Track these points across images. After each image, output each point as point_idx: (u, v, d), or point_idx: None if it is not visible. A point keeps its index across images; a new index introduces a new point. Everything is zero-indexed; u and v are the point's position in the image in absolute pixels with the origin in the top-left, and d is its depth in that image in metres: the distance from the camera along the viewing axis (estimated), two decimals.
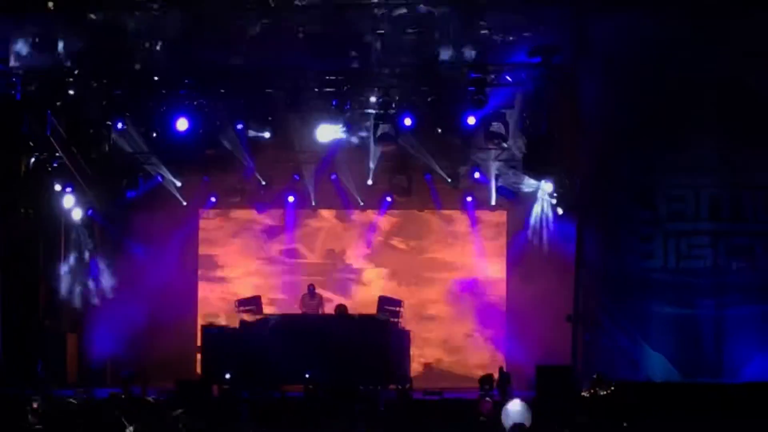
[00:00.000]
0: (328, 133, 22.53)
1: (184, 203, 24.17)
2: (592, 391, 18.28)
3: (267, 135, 22.90)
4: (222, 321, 23.18)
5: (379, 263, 25.11)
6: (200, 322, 23.33)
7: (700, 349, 20.35)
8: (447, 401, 19.62)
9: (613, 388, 18.17)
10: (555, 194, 22.64)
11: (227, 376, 20.09)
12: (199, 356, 22.40)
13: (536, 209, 23.41)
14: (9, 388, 19.81)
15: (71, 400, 17.41)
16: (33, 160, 22.40)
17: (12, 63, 20.93)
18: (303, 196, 24.58)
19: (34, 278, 22.96)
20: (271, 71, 21.52)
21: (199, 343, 22.22)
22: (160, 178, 23.77)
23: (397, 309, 22.43)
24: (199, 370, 22.44)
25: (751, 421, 17.24)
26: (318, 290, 23.33)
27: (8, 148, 21.60)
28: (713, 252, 20.42)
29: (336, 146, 23.34)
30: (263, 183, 24.21)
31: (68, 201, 22.93)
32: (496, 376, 19.76)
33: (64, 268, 23.22)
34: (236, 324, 21.71)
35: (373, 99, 21.99)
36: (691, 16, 20.00)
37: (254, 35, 20.41)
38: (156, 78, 21.63)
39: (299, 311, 22.94)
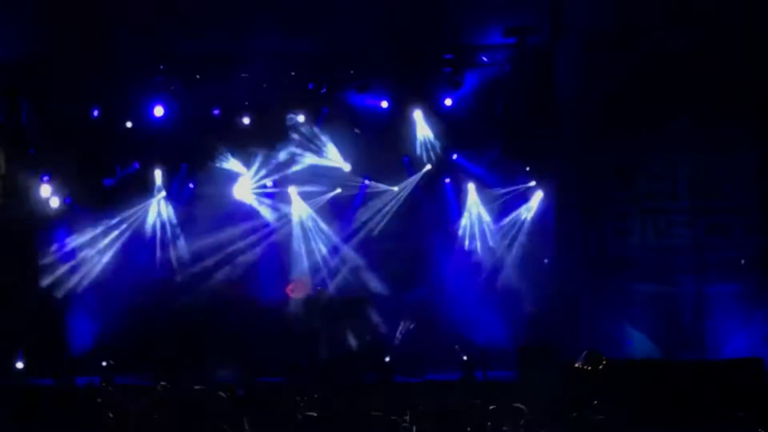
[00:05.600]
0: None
1: (162, 190, 23.94)
2: (584, 365, 18.05)
3: (246, 120, 22.84)
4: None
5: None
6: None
7: (681, 326, 20.43)
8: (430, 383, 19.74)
9: (605, 362, 17.98)
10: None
11: None
12: None
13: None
14: None
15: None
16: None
17: None
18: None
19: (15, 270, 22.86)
20: (247, 56, 21.50)
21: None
22: (137, 165, 23.56)
23: None
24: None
25: (734, 396, 17.30)
26: None
27: None
28: (692, 229, 20.48)
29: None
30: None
31: (45, 190, 22.79)
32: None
33: (44, 259, 23.12)
34: None
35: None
36: None
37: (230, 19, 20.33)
38: (131, 65, 21.57)
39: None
